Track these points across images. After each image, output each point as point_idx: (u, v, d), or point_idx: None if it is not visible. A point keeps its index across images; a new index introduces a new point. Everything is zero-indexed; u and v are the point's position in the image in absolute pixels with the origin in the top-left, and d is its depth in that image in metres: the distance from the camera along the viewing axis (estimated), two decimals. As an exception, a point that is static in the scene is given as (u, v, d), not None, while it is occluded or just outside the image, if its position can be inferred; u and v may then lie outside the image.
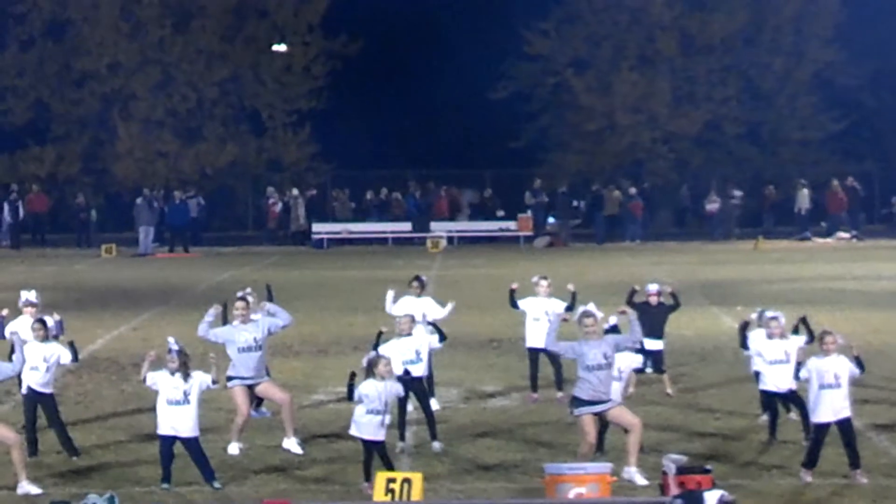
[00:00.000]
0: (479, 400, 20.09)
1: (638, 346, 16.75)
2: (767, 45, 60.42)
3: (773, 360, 16.75)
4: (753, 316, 17.62)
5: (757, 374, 17.24)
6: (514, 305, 19.98)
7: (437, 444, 16.81)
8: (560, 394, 19.69)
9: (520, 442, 17.16)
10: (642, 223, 54.20)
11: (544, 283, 19.83)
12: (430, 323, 17.77)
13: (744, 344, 17.43)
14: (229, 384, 16.84)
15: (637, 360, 17.06)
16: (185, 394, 14.99)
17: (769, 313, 17.15)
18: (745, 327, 17.46)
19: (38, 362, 16.48)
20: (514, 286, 19.86)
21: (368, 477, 14.61)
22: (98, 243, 51.41)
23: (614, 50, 60.49)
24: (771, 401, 17.12)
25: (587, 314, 15.25)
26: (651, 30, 60.25)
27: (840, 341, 15.29)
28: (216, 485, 14.93)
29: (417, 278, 19.72)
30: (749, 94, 60.67)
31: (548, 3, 60.00)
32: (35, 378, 16.55)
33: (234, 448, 16.70)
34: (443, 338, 17.45)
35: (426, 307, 19.03)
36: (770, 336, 16.81)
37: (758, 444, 16.82)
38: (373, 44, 59.75)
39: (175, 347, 15.15)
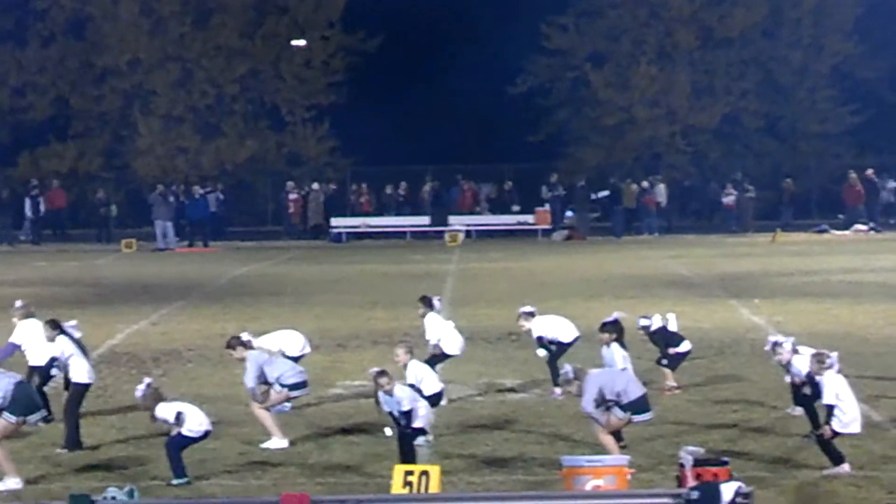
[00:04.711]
0: (497, 393, 20.11)
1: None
2: (787, 38, 60.38)
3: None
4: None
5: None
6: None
7: (421, 439, 16.54)
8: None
9: (538, 435, 17.17)
10: (657, 216, 54.19)
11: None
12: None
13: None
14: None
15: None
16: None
17: (780, 338, 16.61)
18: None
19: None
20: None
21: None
22: (118, 238, 51.66)
23: (633, 44, 60.51)
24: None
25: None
26: (670, 23, 60.23)
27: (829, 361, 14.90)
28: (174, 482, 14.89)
29: (423, 298, 19.86)
30: (768, 87, 60.64)
31: (566, -2, 60.06)
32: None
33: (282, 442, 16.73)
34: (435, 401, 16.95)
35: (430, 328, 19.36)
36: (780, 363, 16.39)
37: (776, 437, 16.83)
38: (392, 39, 59.86)
39: (142, 389, 15.19)
